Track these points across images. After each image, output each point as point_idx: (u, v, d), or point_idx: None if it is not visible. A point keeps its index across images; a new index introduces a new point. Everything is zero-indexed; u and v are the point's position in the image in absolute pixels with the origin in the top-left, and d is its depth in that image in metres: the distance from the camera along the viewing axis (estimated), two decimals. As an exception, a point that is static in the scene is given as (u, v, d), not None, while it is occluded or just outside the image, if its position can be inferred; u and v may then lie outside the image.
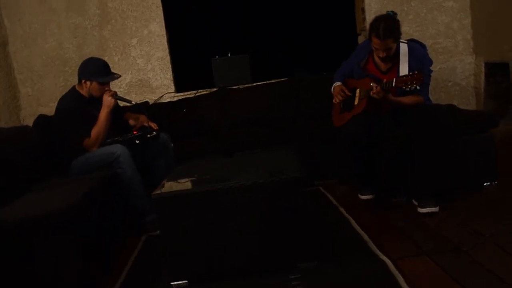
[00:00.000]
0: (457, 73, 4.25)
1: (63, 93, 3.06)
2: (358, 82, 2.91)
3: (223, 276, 2.04)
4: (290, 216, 2.01)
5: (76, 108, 2.86)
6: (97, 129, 2.86)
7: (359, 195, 2.96)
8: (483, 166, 2.83)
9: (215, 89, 4.18)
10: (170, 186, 2.29)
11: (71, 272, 2.05)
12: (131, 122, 3.26)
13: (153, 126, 3.11)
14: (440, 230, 2.28)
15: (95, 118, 2.90)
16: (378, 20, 2.64)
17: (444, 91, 4.25)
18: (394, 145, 2.72)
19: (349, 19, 4.44)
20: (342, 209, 2.78)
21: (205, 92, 4.18)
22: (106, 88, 2.95)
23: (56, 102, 2.97)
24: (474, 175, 2.82)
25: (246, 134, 3.60)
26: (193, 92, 4.19)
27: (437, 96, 4.18)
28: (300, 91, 4.02)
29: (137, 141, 2.95)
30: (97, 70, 2.90)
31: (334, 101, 3.03)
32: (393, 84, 2.53)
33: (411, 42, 2.80)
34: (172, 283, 2.04)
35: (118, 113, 3.16)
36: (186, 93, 4.21)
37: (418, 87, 2.48)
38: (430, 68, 2.78)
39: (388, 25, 2.58)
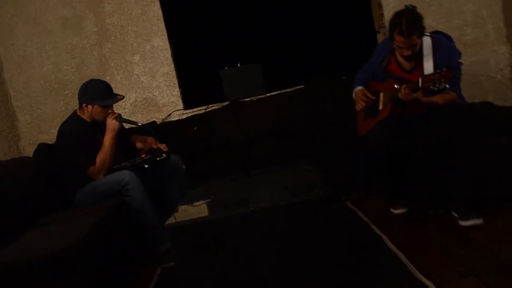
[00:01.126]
0: (490, 66, 4.17)
1: (64, 118, 3.08)
2: (381, 85, 2.86)
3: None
4: (317, 239, 1.96)
5: (79, 134, 2.86)
6: (102, 156, 2.85)
7: (392, 209, 2.87)
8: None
9: (226, 103, 4.18)
10: (184, 209, 2.30)
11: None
12: (139, 145, 3.26)
13: (162, 147, 3.10)
14: (487, 245, 2.19)
15: (99, 144, 2.89)
16: (399, 15, 2.59)
17: (477, 87, 4.16)
18: (426, 150, 2.64)
19: (365, 16, 4.40)
20: (373, 226, 2.69)
21: (216, 107, 4.19)
22: (110, 111, 2.94)
23: (57, 128, 2.98)
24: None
25: (262, 149, 3.60)
26: (203, 107, 4.20)
27: (469, 92, 4.01)
28: (317, 99, 3.97)
29: (146, 166, 2.93)
30: (99, 92, 2.90)
31: (356, 107, 2.99)
32: (419, 84, 2.47)
33: (435, 34, 2.75)
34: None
35: (123, 136, 3.16)
36: (195, 109, 4.22)
37: (447, 86, 2.41)
38: (459, 60, 2.72)
39: (411, 20, 2.53)
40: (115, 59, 4.18)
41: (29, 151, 3.84)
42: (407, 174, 2.78)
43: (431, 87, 2.45)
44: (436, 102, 2.65)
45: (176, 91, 4.25)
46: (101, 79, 3.08)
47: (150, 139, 3.23)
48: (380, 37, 4.29)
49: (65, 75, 4.18)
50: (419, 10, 2.67)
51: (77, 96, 2.97)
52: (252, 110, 4.01)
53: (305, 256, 1.97)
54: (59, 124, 3.03)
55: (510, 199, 2.64)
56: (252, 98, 4.16)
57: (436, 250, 2.26)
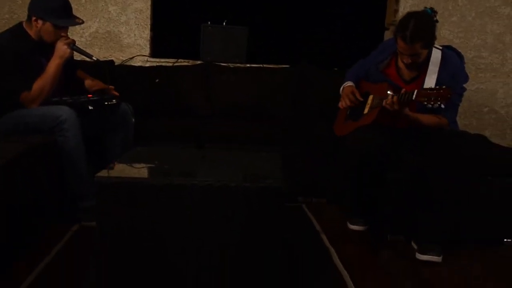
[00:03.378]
0: (497, 98, 4.32)
1: (5, 28, 3.05)
2: (373, 86, 2.93)
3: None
4: (259, 236, 2.01)
5: (19, 50, 2.82)
6: (42, 82, 2.83)
7: (349, 224, 2.98)
8: (507, 218, 2.86)
9: (199, 62, 4.19)
10: (121, 169, 2.29)
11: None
12: (88, 83, 3.24)
13: (114, 92, 3.10)
14: (437, 285, 2.30)
15: (41, 68, 2.86)
16: (408, 17, 2.65)
17: (476, 118, 4.31)
18: (405, 172, 2.75)
19: (378, 8, 4.47)
20: (324, 237, 2.80)
21: (186, 64, 4.19)
22: (63, 34, 2.92)
23: (-7, 38, 2.94)
24: (494, 227, 2.85)
25: (229, 124, 3.64)
26: (172, 60, 4.20)
27: (466, 121, 4.23)
28: (304, 85, 4.05)
29: (90, 107, 2.93)
30: (55, 9, 2.86)
31: (340, 104, 3.05)
32: (413, 96, 2.54)
33: (447, 50, 2.83)
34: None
35: (71, 67, 3.15)
36: (162, 60, 4.21)
37: (442, 106, 2.50)
38: (464, 85, 2.81)
39: (419, 26, 2.59)
40: (85, -24, 4.10)
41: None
42: (376, 191, 2.89)
43: (425, 102, 2.52)
44: (422, 122, 2.73)
45: (146, 33, 4.21)
46: (62, -5, 3.02)
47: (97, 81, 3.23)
48: (387, 35, 4.35)
49: (19, -22, 4.06)
50: (438, 17, 2.72)
51: (27, 6, 2.91)
52: (226, 78, 4.03)
53: (235, 252, 2.02)
54: (-2, 34, 2.98)
55: (477, 243, 2.80)
56: (229, 64, 4.18)
57: (383, 276, 2.38)
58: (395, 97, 2.61)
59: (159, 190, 2.01)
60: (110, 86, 3.08)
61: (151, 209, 2.02)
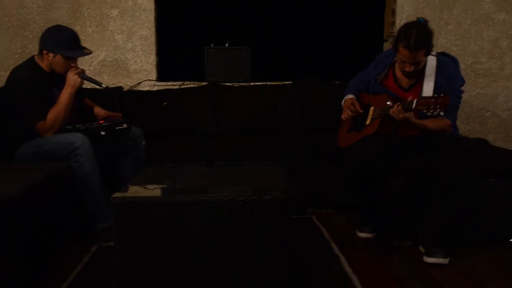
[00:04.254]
0: (498, 102, 4.40)
1: (19, 62, 3.15)
2: (373, 98, 3.03)
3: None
4: (270, 246, 2.09)
5: (33, 83, 2.92)
6: (56, 112, 2.93)
7: (357, 232, 3.07)
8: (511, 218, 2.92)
9: (204, 84, 4.28)
10: (135, 189, 2.37)
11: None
12: (97, 109, 3.35)
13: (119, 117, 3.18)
14: (446, 287, 2.36)
15: (54, 99, 2.97)
16: (408, 27, 2.73)
17: (479, 122, 4.39)
18: (408, 177, 2.83)
19: (375, 21, 4.57)
20: (334, 245, 2.88)
21: (192, 85, 4.28)
22: (73, 65, 3.02)
23: (7, 72, 3.05)
24: (500, 228, 2.91)
25: (236, 141, 3.71)
26: (178, 83, 4.29)
27: (469, 126, 4.31)
28: (307, 99, 4.14)
29: (102, 133, 3.01)
30: (64, 41, 2.98)
31: (342, 116, 3.15)
32: (413, 105, 2.63)
33: (442, 56, 2.93)
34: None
35: (82, 96, 3.26)
36: (169, 83, 4.31)
37: (442, 113, 2.58)
38: (461, 88, 2.89)
39: (421, 34, 2.67)
40: (90, 8, 4.23)
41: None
42: (381, 198, 2.97)
43: (425, 111, 2.61)
44: (428, 127, 2.81)
45: (152, 59, 4.33)
46: (70, 27, 3.15)
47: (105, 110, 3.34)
48: (386, 46, 4.45)
49: (29, 14, 4.19)
50: (435, 26, 2.81)
51: (38, 40, 3.03)
52: (231, 97, 4.13)
53: (247, 263, 2.10)
54: (12, 68, 3.10)
55: (484, 244, 2.87)
56: (234, 83, 4.29)
57: (392, 280, 2.44)
58: (400, 106, 2.69)
59: (172, 208, 2.11)
60: (119, 114, 3.16)
61: (165, 226, 2.11)
